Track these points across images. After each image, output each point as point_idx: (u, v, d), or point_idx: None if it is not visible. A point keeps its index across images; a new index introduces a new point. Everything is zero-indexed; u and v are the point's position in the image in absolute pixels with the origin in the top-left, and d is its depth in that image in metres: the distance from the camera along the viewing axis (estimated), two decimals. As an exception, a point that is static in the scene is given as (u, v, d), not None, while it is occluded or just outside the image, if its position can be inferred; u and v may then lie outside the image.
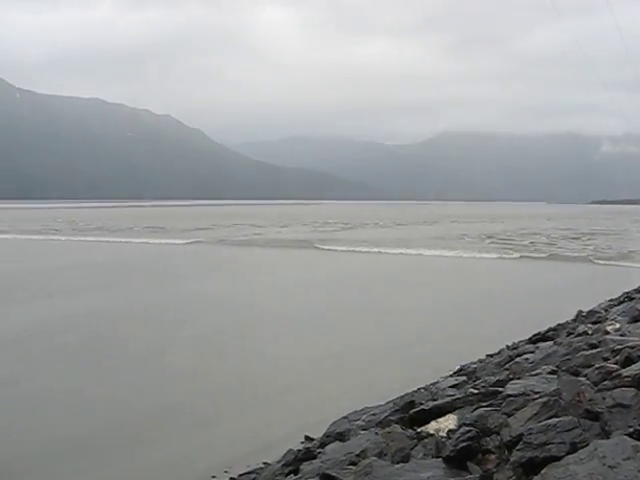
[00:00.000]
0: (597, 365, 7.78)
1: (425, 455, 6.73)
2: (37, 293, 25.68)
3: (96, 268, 35.48)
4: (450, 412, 7.70)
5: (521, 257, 42.66)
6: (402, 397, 9.68)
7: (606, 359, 8.27)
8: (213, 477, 8.76)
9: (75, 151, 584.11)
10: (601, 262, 40.32)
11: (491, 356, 13.20)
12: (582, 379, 7.03)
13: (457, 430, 6.75)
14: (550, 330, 13.77)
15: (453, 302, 24.41)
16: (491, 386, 8.60)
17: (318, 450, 8.01)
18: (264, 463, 8.76)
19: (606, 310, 15.25)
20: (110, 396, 12.58)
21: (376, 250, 46.45)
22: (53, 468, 9.25)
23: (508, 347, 13.40)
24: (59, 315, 20.79)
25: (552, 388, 7.14)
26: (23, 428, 10.77)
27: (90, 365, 14.86)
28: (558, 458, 5.52)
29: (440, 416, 7.66)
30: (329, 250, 47.13)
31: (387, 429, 7.53)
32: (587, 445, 5.51)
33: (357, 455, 7.05)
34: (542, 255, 43.64)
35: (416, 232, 71.12)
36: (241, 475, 8.57)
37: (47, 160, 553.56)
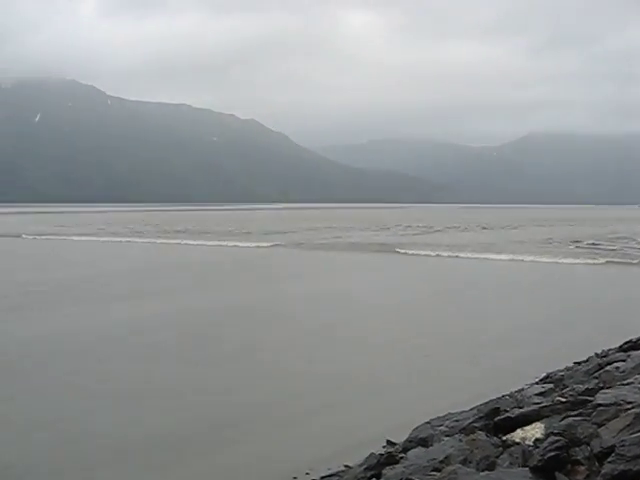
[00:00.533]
0: (694, 375, 7.53)
1: (511, 464, 6.68)
2: (123, 294, 26.55)
3: (169, 270, 36.34)
4: (537, 420, 7.60)
5: (607, 262, 41.16)
6: (486, 404, 9.58)
7: None
8: (294, 478, 8.79)
9: (163, 156, 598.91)
10: (697, 269, 38.63)
11: (579, 364, 12.80)
12: (678, 389, 6.80)
13: (545, 439, 6.65)
14: (642, 338, 13.30)
15: (537, 307, 23.81)
16: (580, 395, 8.41)
17: (400, 455, 8.00)
18: (345, 466, 8.75)
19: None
20: (198, 393, 12.88)
21: (458, 254, 45.72)
22: (135, 465, 9.45)
23: (597, 355, 12.96)
24: (151, 313, 21.55)
25: (646, 398, 6.92)
26: (113, 424, 11.08)
27: (181, 362, 15.30)
28: (653, 472, 5.36)
29: (526, 424, 7.58)
30: (410, 254, 46.71)
31: (471, 436, 7.51)
32: (684, 459, 5.35)
33: (441, 461, 7.04)
34: (632, 261, 42.08)
35: (500, 236, 69.85)
36: (323, 477, 8.59)
37: (136, 164, 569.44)
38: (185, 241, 58.94)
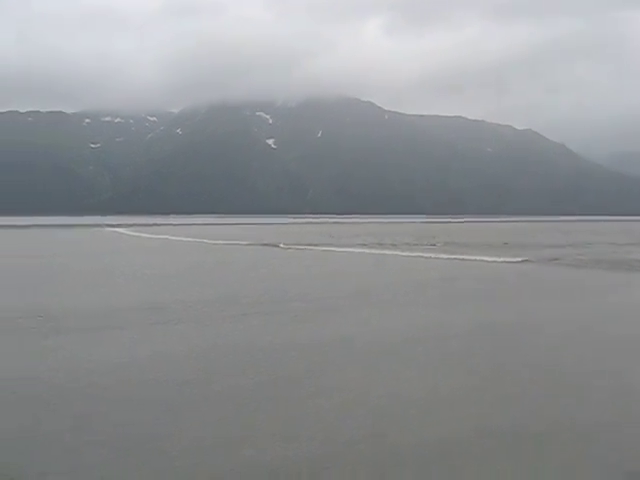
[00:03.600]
0: None
1: None
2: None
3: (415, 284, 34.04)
4: None
5: None
6: None
7: None
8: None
9: (439, 168, 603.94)
10: None
11: None
12: None
13: None
14: None
15: None
16: None
17: None
18: None
19: None
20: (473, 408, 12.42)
21: None
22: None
23: None
24: (437, 323, 21.66)
25: None
26: (408, 429, 11.11)
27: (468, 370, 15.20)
28: None
29: None
30: None
31: None
32: None
33: None
34: None
35: None
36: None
37: (412, 177, 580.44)
38: (427, 254, 56.54)
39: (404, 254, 57.59)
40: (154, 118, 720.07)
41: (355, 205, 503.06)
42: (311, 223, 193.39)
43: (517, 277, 39.40)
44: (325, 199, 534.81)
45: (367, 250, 62.77)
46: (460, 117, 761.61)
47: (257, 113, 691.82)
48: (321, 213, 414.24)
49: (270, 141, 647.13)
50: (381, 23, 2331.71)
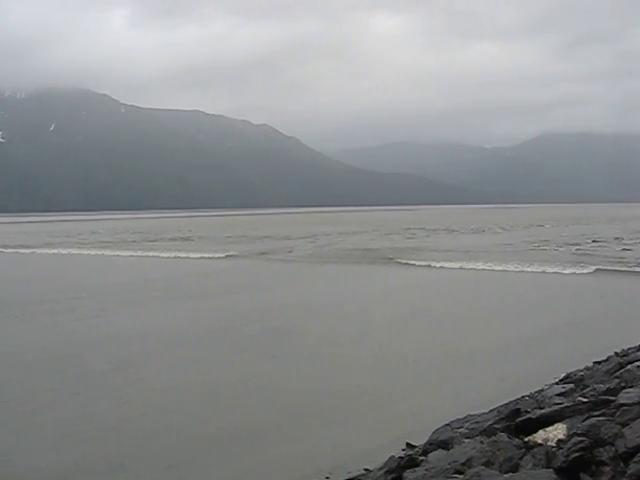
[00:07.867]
0: None
1: (535, 465, 6.68)
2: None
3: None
4: (559, 421, 7.56)
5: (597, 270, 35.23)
6: (506, 405, 9.54)
7: None
8: (314, 482, 8.21)
9: (177, 162, 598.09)
10: None
11: (598, 363, 12.61)
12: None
13: (568, 440, 6.72)
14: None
15: (549, 315, 22.08)
16: (601, 395, 8.41)
17: (421, 458, 8.08)
18: (365, 469, 8.72)
19: None
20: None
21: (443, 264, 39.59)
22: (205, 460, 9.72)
23: (617, 354, 12.84)
24: (234, 311, 23.61)
25: (670, 397, 5.91)
26: (193, 419, 11.65)
27: (262, 355, 16.59)
28: (679, 474, 3.98)
29: (548, 425, 7.53)
30: (409, 265, 40.34)
31: (493, 438, 7.56)
32: None
33: (462, 464, 7.08)
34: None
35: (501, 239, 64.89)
36: (342, 481, 7.92)
37: (150, 171, 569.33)
38: (118, 252, 55.65)
39: (114, 253, 55.58)
40: None
41: (94, 201, 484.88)
42: (43, 222, 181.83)
43: (217, 272, 39.29)
44: (60, 196, 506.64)
45: (77, 251, 59.63)
46: (198, 111, 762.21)
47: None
48: (56, 211, 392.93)
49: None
50: (125, 14, 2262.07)
